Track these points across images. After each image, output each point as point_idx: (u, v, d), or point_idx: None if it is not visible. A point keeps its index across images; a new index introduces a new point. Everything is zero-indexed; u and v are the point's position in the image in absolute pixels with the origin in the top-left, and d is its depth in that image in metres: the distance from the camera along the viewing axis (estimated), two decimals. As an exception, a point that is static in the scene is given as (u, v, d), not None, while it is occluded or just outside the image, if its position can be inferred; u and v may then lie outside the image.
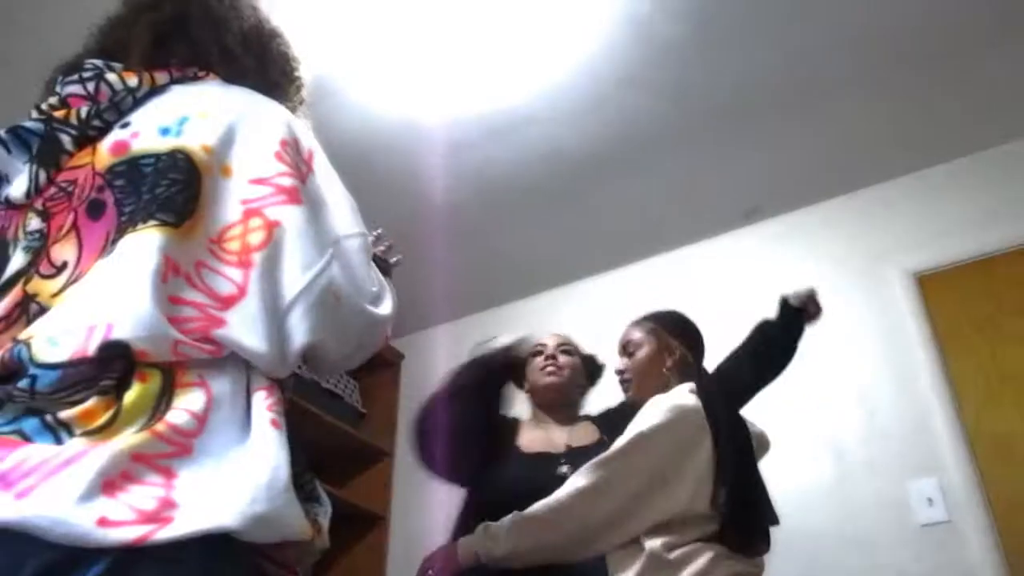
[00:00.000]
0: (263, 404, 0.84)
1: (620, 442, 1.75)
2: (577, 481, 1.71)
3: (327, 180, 1.01)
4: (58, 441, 0.73)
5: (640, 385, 1.99)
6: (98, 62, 1.00)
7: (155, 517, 0.70)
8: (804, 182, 3.00)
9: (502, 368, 2.21)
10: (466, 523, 2.06)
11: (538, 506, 1.71)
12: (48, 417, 0.74)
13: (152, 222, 0.84)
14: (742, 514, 1.72)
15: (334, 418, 3.26)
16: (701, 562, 1.64)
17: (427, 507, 3.29)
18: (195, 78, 1.03)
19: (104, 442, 0.72)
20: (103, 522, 0.68)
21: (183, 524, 0.71)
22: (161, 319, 0.79)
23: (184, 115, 0.94)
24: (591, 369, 2.34)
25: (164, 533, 0.70)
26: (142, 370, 0.77)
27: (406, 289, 3.72)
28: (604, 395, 2.27)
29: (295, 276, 0.89)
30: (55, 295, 0.84)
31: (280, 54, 1.16)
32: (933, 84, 2.59)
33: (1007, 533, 2.26)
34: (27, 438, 0.72)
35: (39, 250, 0.89)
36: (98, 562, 0.68)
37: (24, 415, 0.75)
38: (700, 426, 1.76)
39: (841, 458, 2.56)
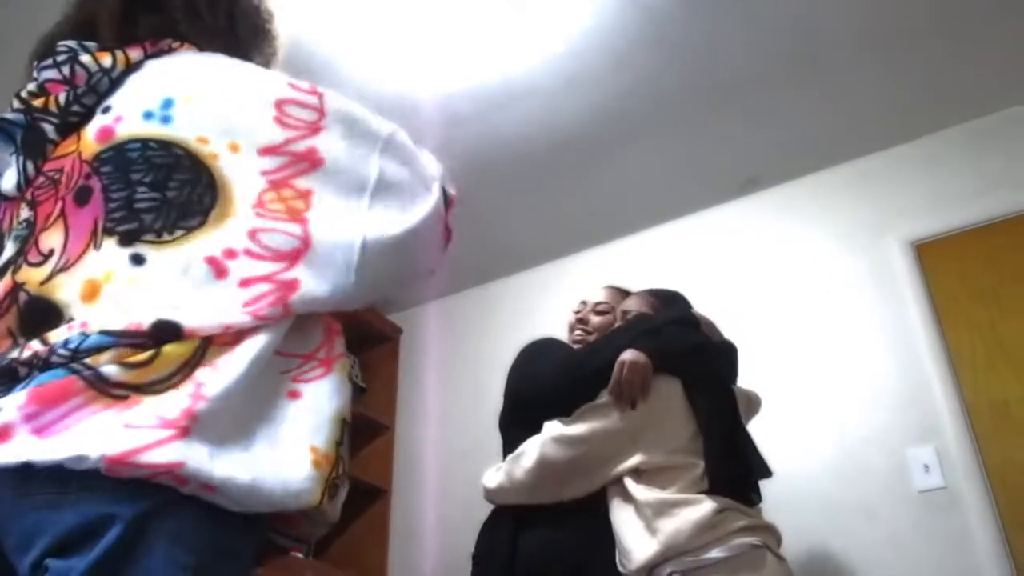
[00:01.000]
0: (289, 373, 0.86)
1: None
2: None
3: (343, 117, 0.99)
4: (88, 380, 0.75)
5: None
6: (72, 43, 0.98)
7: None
8: (802, 152, 2.99)
9: None
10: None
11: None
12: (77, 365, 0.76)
13: (179, 232, 0.84)
14: (727, 463, 1.78)
15: (334, 393, 3.27)
16: (705, 510, 1.67)
17: (427, 480, 3.32)
18: (169, 50, 1.00)
19: (139, 379, 0.75)
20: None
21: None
22: (228, 311, 0.81)
23: (167, 96, 0.91)
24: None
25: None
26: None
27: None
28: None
29: (349, 218, 0.90)
30: (43, 283, 0.83)
31: (251, 7, 1.13)
32: (932, 51, 2.57)
33: (1003, 498, 2.28)
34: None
35: (27, 238, 0.88)
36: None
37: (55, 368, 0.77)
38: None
39: (840, 426, 2.58)
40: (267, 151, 0.89)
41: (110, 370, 0.76)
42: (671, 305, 2.11)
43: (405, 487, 3.39)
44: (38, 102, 0.94)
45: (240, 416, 0.79)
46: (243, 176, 0.88)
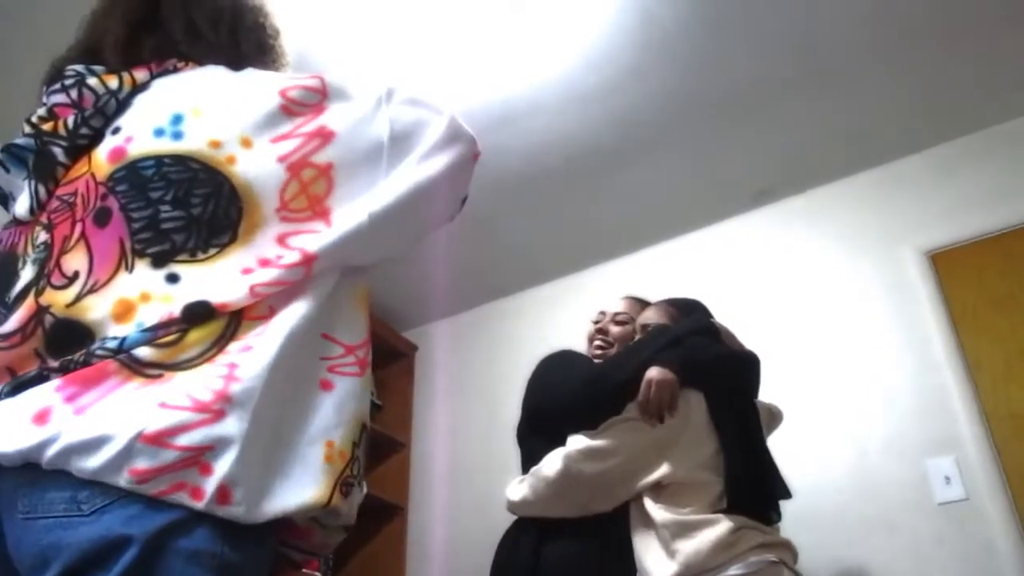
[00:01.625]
0: (328, 361, 0.89)
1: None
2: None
3: (343, 92, 0.98)
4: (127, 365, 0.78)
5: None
6: (79, 67, 0.99)
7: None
8: (815, 163, 2.98)
9: None
10: None
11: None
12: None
13: (212, 249, 0.86)
14: (748, 483, 1.78)
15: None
16: (723, 529, 1.66)
17: (444, 496, 3.32)
18: (175, 70, 1.01)
19: (171, 357, 0.79)
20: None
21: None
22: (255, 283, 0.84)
23: (176, 112, 0.92)
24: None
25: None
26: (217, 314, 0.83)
27: (417, 282, 3.76)
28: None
29: (371, 187, 0.92)
30: (70, 305, 0.84)
31: (256, 25, 1.13)
32: (946, 60, 2.56)
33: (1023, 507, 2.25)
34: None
35: (46, 261, 0.89)
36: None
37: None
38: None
39: (859, 438, 2.56)
40: (280, 138, 0.91)
41: (142, 351, 0.78)
42: (690, 315, 2.10)
43: (421, 504, 3.38)
44: (47, 126, 0.96)
45: (271, 402, 0.80)
46: (262, 171, 0.89)
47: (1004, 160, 2.71)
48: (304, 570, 2.93)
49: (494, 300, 3.72)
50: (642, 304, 2.28)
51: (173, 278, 0.84)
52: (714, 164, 2.99)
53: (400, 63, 2.55)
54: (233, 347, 0.80)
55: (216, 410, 0.76)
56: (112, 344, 0.79)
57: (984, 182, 2.72)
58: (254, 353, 0.80)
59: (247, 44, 1.11)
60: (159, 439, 0.73)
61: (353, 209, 0.90)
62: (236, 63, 1.04)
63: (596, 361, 2.16)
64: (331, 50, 2.47)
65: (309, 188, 0.90)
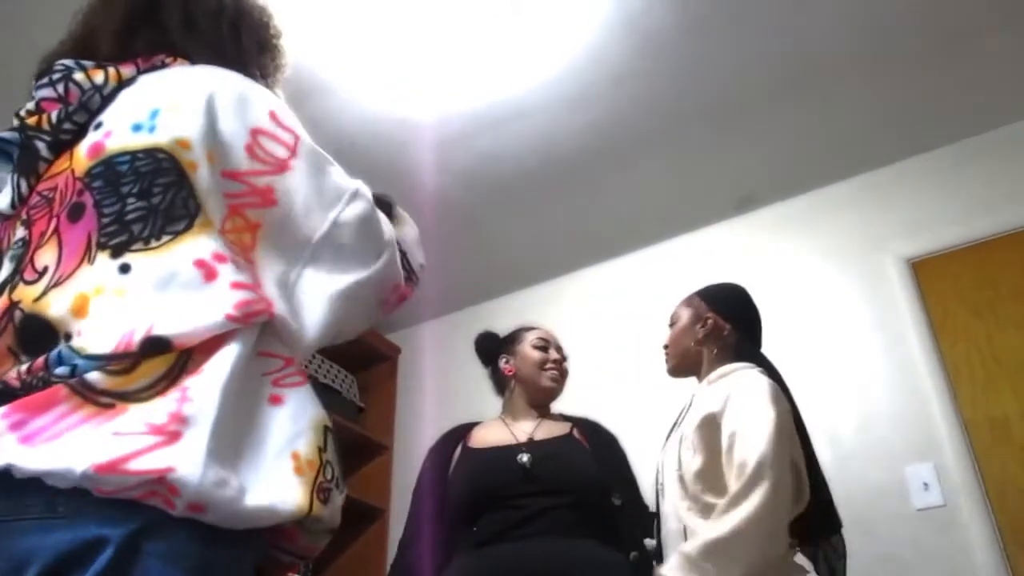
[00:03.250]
0: (271, 376, 0.87)
1: (756, 440, 1.67)
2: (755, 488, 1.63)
3: (311, 164, 0.96)
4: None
5: (675, 357, 2.03)
6: (68, 62, 0.98)
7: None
8: (797, 170, 3.01)
9: (447, 451, 2.19)
10: (440, 528, 2.04)
11: (730, 524, 1.62)
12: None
13: (165, 237, 0.85)
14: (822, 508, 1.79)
15: (333, 413, 3.25)
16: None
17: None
18: (162, 65, 1.00)
19: (122, 386, 0.76)
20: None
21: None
22: (217, 317, 0.81)
23: (154, 107, 0.91)
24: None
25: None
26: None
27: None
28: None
29: (284, 273, 0.91)
30: (36, 300, 0.84)
31: (259, 23, 1.13)
32: (926, 71, 2.59)
33: (1003, 516, 2.27)
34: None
35: (22, 257, 0.89)
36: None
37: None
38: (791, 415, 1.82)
39: (838, 444, 2.57)
40: (230, 175, 0.90)
41: (94, 377, 0.76)
42: (719, 299, 2.09)
43: (404, 507, 3.35)
44: (32, 120, 0.95)
45: (227, 420, 0.78)
46: (213, 193, 0.88)
47: (984, 170, 2.74)
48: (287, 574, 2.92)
49: (478, 303, 3.72)
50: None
51: (125, 268, 0.83)
52: (698, 170, 3.01)
53: (384, 73, 2.55)
54: (186, 378, 0.79)
55: (172, 431, 0.74)
56: (64, 370, 0.77)
57: (964, 192, 2.75)
58: (204, 376, 0.79)
59: (248, 40, 1.10)
60: (114, 467, 0.71)
61: (269, 285, 0.90)
62: (235, 59, 1.03)
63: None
64: (315, 58, 2.46)
65: (242, 234, 0.89)
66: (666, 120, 2.78)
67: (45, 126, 0.94)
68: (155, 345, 0.78)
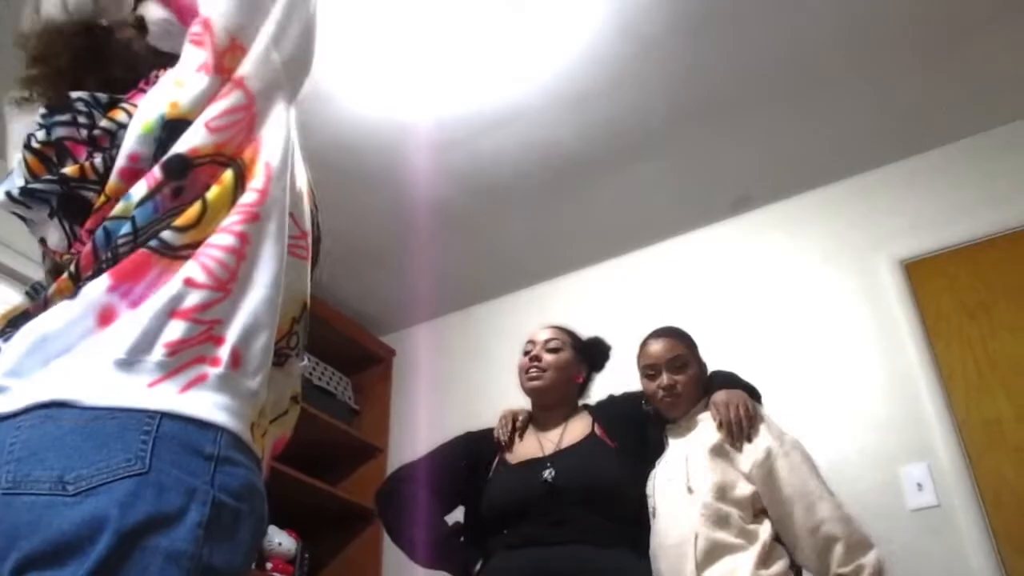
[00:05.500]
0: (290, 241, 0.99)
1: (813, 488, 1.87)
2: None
3: None
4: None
5: (685, 403, 2.03)
6: (86, 98, 0.99)
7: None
8: (792, 172, 3.02)
9: (479, 454, 2.23)
10: (461, 541, 2.13)
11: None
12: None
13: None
14: None
15: (328, 416, 3.26)
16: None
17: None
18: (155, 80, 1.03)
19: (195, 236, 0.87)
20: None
21: None
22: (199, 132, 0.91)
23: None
24: (593, 355, 2.32)
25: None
26: (214, 171, 0.90)
27: (395, 286, 3.76)
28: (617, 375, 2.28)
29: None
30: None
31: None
32: (921, 72, 2.60)
33: (996, 517, 2.28)
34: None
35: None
36: None
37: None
38: None
39: (832, 444, 2.57)
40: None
41: (168, 236, 0.86)
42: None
43: (398, 510, 3.36)
44: (71, 170, 0.94)
45: (265, 274, 0.91)
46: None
47: (979, 171, 2.75)
48: (276, 574, 2.91)
49: (473, 305, 3.71)
50: (567, 332, 2.29)
51: None
52: (693, 172, 3.01)
53: (379, 76, 2.55)
54: (237, 208, 0.90)
55: (230, 288, 0.86)
56: (128, 227, 0.86)
57: (959, 192, 2.75)
58: (260, 226, 0.90)
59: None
60: (188, 315, 0.82)
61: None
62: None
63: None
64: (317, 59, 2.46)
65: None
66: (663, 121, 2.78)
67: (91, 176, 0.94)
68: (173, 164, 0.88)
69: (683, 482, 1.87)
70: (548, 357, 2.21)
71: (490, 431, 2.26)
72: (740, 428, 1.89)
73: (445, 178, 2.99)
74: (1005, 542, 2.24)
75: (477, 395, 3.28)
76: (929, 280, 2.69)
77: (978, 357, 2.52)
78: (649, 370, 2.08)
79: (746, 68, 2.59)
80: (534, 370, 2.20)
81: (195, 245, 0.86)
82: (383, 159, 2.88)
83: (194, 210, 0.87)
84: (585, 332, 2.38)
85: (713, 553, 1.76)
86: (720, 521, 1.78)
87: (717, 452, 1.88)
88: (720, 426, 1.90)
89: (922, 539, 2.34)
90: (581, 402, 2.28)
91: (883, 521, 2.39)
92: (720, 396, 1.96)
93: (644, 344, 2.13)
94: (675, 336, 2.11)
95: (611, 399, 2.24)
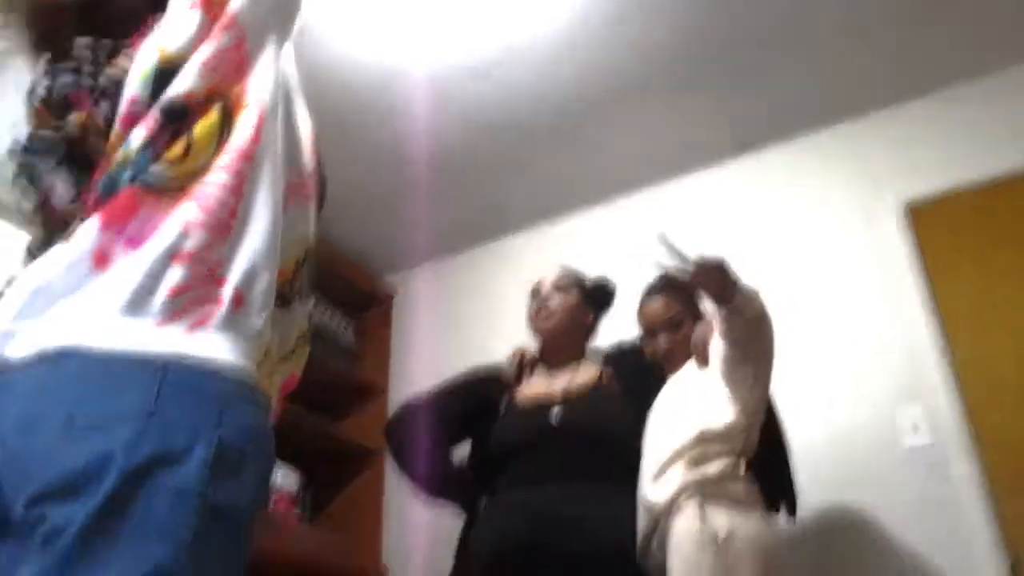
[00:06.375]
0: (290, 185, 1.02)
1: None
2: None
3: None
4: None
5: (685, 358, 2.04)
6: (90, 45, 0.98)
7: None
8: (795, 113, 2.97)
9: (488, 390, 2.25)
10: (469, 474, 2.15)
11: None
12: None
13: None
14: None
15: (327, 356, 3.28)
16: None
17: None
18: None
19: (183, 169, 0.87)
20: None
21: None
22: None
23: None
24: (599, 298, 2.33)
25: None
26: (206, 110, 0.90)
27: (397, 227, 3.73)
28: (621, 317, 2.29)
29: None
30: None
31: None
32: (927, 10, 2.54)
33: (989, 457, 2.31)
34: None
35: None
36: None
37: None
38: None
39: (832, 384, 2.60)
40: None
41: (155, 171, 0.86)
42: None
43: (399, 449, 3.40)
44: (78, 119, 0.95)
45: (262, 214, 0.91)
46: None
47: (986, 113, 2.71)
48: (279, 509, 2.96)
49: (475, 246, 3.70)
50: (573, 276, 2.29)
51: None
52: (697, 113, 2.97)
53: (382, 9, 2.50)
54: (230, 148, 0.89)
55: (229, 228, 0.86)
56: (129, 175, 0.86)
57: (965, 135, 2.72)
58: (256, 166, 0.90)
59: None
60: (189, 258, 0.82)
61: None
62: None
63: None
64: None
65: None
66: (665, 62, 2.73)
67: (98, 125, 0.94)
68: (173, 107, 0.88)
69: (664, 422, 1.93)
70: (556, 299, 2.23)
71: (498, 368, 2.28)
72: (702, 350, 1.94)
73: (444, 120, 2.95)
74: (998, 481, 2.27)
75: (478, 337, 3.30)
76: (932, 223, 2.68)
77: (979, 301, 2.52)
78: (647, 331, 2.09)
79: (750, 9, 2.53)
80: (542, 313, 2.22)
81: (184, 179, 0.86)
82: (382, 101, 2.84)
83: (180, 145, 0.87)
84: (589, 274, 2.39)
85: (666, 464, 1.82)
86: (698, 456, 1.82)
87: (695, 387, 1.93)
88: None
89: (917, 477, 2.37)
90: (589, 345, 2.29)
91: (879, 459, 2.44)
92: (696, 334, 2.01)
93: (640, 304, 2.14)
94: (670, 293, 2.10)
95: (619, 346, 2.25)
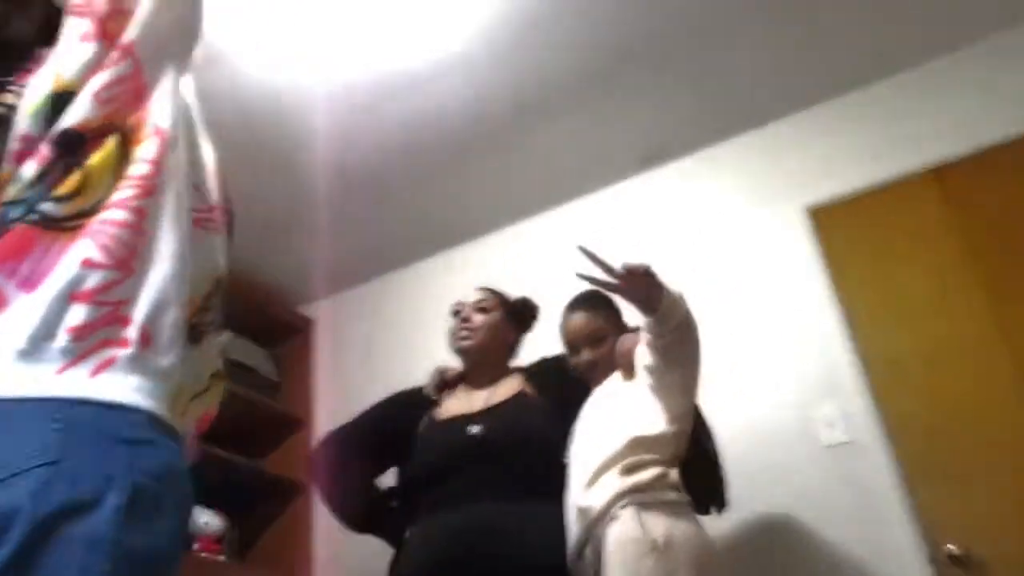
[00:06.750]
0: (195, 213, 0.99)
1: None
2: None
3: None
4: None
5: (609, 371, 2.06)
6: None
7: None
8: (705, 123, 3.05)
9: (409, 411, 2.22)
10: (394, 506, 2.11)
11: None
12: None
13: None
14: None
15: (248, 391, 3.20)
16: None
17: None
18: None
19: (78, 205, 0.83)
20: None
21: None
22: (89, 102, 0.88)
23: None
24: (521, 316, 2.33)
25: None
26: (97, 140, 0.87)
27: (311, 255, 3.66)
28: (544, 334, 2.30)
29: None
30: None
31: None
32: (823, 18, 2.64)
33: (902, 449, 2.39)
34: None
35: None
36: None
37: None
38: None
39: (751, 387, 2.66)
40: None
41: (48, 207, 0.82)
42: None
43: (327, 480, 3.33)
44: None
45: (167, 247, 0.88)
46: None
47: (880, 119, 2.84)
48: (204, 554, 2.86)
49: (394, 270, 3.68)
50: (495, 294, 2.30)
51: None
52: (608, 127, 3.02)
53: (285, 31, 2.47)
54: (128, 182, 0.86)
55: (131, 266, 0.83)
56: (19, 210, 0.82)
57: (864, 139, 2.84)
58: (157, 200, 0.87)
59: None
60: (89, 297, 0.79)
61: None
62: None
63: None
64: (211, 28, 2.36)
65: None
66: (575, 79, 2.78)
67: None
68: (68, 138, 0.85)
69: (593, 431, 1.94)
70: (477, 318, 2.22)
71: (419, 389, 2.26)
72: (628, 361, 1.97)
73: (357, 142, 2.93)
74: (912, 472, 2.36)
75: (404, 361, 3.26)
76: (835, 225, 2.79)
77: (881, 298, 2.63)
78: (570, 346, 2.11)
79: (653, 24, 2.60)
80: (464, 331, 2.21)
81: (81, 216, 0.83)
82: (289, 125, 2.80)
83: (74, 179, 0.83)
84: (512, 292, 2.40)
85: (598, 472, 1.83)
86: (627, 466, 1.84)
87: (619, 396, 1.95)
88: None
89: (835, 473, 2.44)
90: (512, 363, 2.29)
91: (798, 457, 2.51)
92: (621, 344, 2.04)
93: (563, 319, 2.15)
94: (592, 307, 2.12)
95: (543, 360, 2.26)
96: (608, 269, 1.82)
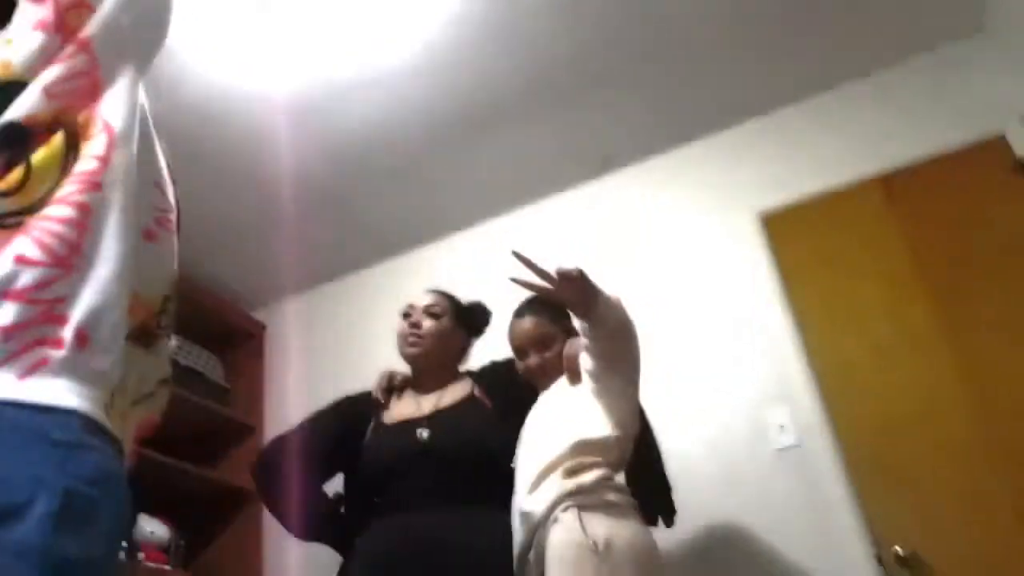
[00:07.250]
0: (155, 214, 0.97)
1: None
2: None
3: None
4: None
5: (555, 375, 2.05)
6: None
7: None
8: (656, 131, 3.08)
9: (356, 415, 2.18)
10: (342, 513, 2.08)
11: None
12: None
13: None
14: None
15: (197, 396, 3.13)
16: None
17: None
18: None
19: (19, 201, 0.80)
20: None
21: None
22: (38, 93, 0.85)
23: None
24: (472, 322, 2.31)
25: None
26: (44, 135, 0.83)
27: (264, 259, 3.62)
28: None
29: None
30: None
31: None
32: (775, 28, 2.69)
33: (851, 453, 2.43)
34: None
35: None
36: None
37: None
38: None
39: (704, 393, 2.68)
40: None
41: None
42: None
43: (277, 488, 3.27)
44: None
45: (117, 244, 0.85)
46: None
47: (831, 126, 2.89)
48: (150, 563, 2.79)
49: (347, 275, 3.64)
50: (447, 298, 2.28)
51: None
52: (563, 132, 3.03)
53: (240, 33, 2.43)
54: (74, 178, 0.83)
55: (71, 264, 0.79)
56: None
57: (814, 147, 2.89)
58: (104, 196, 0.83)
59: None
60: (21, 296, 0.75)
61: None
62: None
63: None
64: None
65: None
66: (531, 83, 2.78)
67: None
68: (9, 132, 0.81)
69: (539, 435, 1.94)
70: (428, 323, 2.20)
71: (367, 393, 2.22)
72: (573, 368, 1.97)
73: (307, 147, 2.89)
74: (860, 475, 2.39)
75: (355, 366, 3.21)
76: (786, 231, 2.82)
77: (832, 304, 2.67)
78: (517, 350, 2.10)
79: (604, 34, 2.61)
80: (412, 336, 2.18)
81: (22, 213, 0.79)
82: (240, 128, 2.75)
83: (16, 174, 0.80)
84: (464, 297, 2.38)
85: (542, 475, 1.82)
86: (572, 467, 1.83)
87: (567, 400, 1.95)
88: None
89: (786, 476, 2.47)
90: (462, 368, 2.27)
91: (750, 461, 2.53)
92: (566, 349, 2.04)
93: (511, 323, 2.14)
94: (539, 312, 2.11)
95: (493, 364, 2.24)
96: (541, 273, 1.81)
